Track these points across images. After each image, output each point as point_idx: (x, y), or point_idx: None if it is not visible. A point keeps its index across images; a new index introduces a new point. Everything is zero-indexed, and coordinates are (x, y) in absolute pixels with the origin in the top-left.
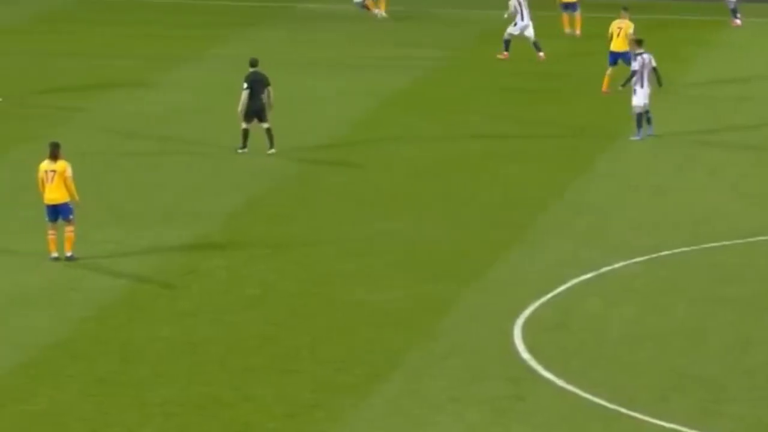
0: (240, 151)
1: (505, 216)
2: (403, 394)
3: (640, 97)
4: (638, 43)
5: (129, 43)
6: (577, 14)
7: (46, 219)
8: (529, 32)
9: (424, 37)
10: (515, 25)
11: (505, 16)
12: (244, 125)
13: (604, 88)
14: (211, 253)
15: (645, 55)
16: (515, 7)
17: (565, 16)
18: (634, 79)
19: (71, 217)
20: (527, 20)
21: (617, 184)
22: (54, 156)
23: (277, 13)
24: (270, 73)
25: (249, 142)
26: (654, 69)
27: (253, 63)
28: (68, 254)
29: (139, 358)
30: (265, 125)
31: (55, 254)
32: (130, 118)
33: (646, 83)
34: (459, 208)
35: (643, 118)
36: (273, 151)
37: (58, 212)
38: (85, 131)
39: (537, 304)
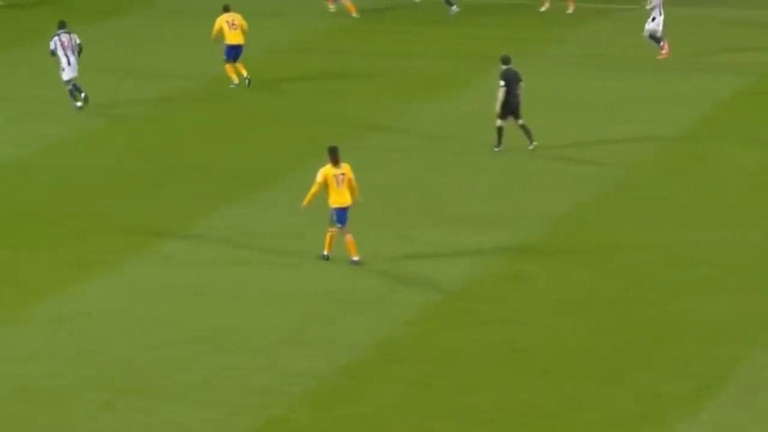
0: (496, 149)
1: None
2: (735, 408)
3: None
4: None
5: (460, 44)
6: None
7: (334, 221)
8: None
9: (754, 40)
10: (653, 20)
11: (648, 6)
12: (499, 123)
13: None
14: (533, 258)
15: None
16: (655, 1)
17: None
18: None
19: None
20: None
21: None
22: (337, 160)
23: (603, 14)
24: (594, 74)
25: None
26: None
27: (506, 60)
28: (355, 258)
29: (460, 363)
30: (520, 121)
31: (327, 253)
32: (458, 120)
33: None
34: None
35: None
36: (535, 144)
37: (344, 215)
38: (411, 133)
39: None
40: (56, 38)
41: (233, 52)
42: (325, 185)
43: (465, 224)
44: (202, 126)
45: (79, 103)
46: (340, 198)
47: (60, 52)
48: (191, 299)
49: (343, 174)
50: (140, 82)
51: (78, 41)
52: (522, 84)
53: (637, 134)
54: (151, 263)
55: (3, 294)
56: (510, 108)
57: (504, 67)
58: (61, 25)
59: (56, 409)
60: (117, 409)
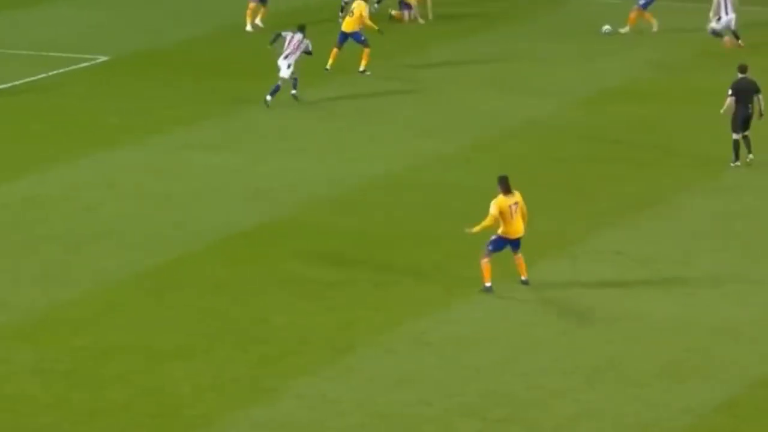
0: (732, 165)
1: None
2: None
3: None
4: None
5: None
6: None
7: (496, 249)
8: (733, 24)
9: None
10: (719, 20)
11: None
12: (734, 136)
13: None
14: None
15: None
16: (718, 2)
17: None
18: None
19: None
20: (731, 13)
21: None
22: (509, 189)
23: None
24: None
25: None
26: None
27: (742, 69)
28: (524, 278)
29: None
30: (746, 132)
31: (489, 284)
32: None
33: None
34: None
35: None
36: (751, 157)
37: (518, 245)
38: None
39: None
40: (290, 34)
41: (343, 38)
42: (499, 217)
43: None
44: (578, 143)
45: (269, 97)
46: (514, 228)
47: (283, 47)
48: (567, 327)
49: (516, 203)
50: (514, 99)
51: (310, 48)
52: (760, 95)
53: None
54: (520, 289)
55: (367, 317)
56: (741, 119)
57: (739, 76)
58: (301, 28)
59: None
60: None
